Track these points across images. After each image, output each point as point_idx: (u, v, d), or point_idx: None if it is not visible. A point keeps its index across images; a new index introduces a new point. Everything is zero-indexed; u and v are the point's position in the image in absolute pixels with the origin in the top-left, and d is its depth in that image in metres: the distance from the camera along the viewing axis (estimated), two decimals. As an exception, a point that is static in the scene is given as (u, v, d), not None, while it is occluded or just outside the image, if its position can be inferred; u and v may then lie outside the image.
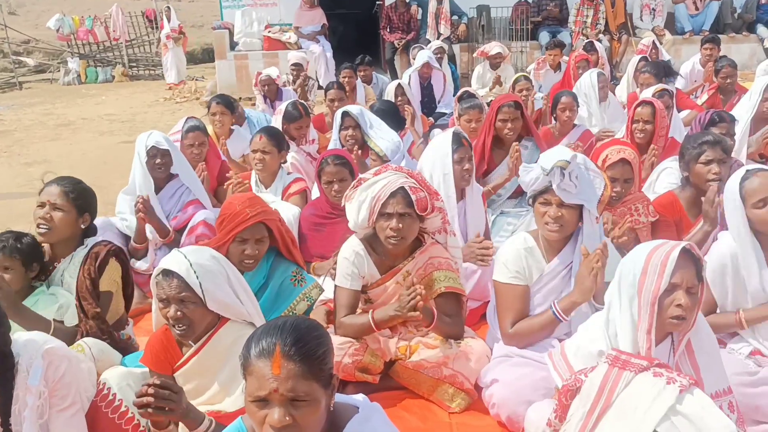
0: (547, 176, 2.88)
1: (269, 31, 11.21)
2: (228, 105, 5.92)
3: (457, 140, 3.86)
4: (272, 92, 7.58)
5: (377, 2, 11.91)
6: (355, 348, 2.99)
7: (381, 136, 5.22)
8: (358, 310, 3.14)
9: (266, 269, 3.14)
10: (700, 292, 2.28)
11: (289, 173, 4.70)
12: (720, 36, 9.57)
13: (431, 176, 3.85)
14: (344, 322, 3.04)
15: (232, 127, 5.95)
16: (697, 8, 10.99)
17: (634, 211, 3.67)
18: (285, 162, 4.61)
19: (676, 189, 3.73)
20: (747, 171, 2.91)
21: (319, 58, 10.73)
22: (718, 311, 2.98)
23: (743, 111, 5.23)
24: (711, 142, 3.53)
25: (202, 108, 9.56)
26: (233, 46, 11.35)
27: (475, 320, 3.64)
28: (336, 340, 3.00)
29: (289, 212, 4.06)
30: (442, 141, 3.89)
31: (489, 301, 3.33)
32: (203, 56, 16.87)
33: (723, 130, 4.15)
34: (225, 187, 4.32)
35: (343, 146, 5.15)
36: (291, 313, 3.13)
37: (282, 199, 4.42)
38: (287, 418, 1.60)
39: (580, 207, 2.91)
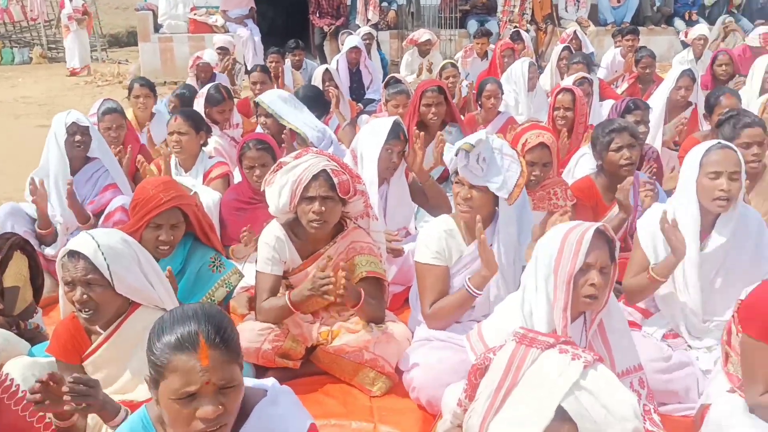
0: (456, 157, 2.91)
1: (195, 14, 10.92)
2: (152, 87, 5.75)
3: (396, 132, 3.85)
4: (207, 77, 7.38)
5: (307, -14, 11.78)
6: (276, 334, 2.94)
7: (304, 122, 5.16)
8: (280, 296, 3.10)
9: (183, 255, 3.05)
10: (612, 273, 2.33)
11: (210, 157, 4.59)
12: (640, 28, 9.87)
13: (362, 155, 3.82)
14: (264, 307, 2.99)
15: (154, 110, 5.77)
16: (618, 0, 11.30)
17: (553, 195, 3.74)
18: (206, 145, 4.49)
19: (592, 174, 3.82)
20: (718, 143, 2.96)
21: (247, 42, 10.53)
22: None
23: (658, 99, 5.41)
24: (618, 128, 3.61)
25: (126, 92, 9.24)
26: (158, 28, 11.02)
27: (399, 305, 3.64)
28: (256, 326, 2.96)
29: (209, 197, 3.96)
30: (381, 126, 3.86)
31: (411, 286, 3.33)
32: (128, 39, 16.31)
33: (638, 117, 4.27)
34: (139, 169, 4.20)
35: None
36: (209, 300, 3.06)
37: (203, 183, 4.32)
38: (220, 407, 1.56)
39: None
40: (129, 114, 5.59)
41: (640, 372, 2.45)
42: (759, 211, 3.38)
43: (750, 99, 5.51)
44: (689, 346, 2.95)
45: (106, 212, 4.07)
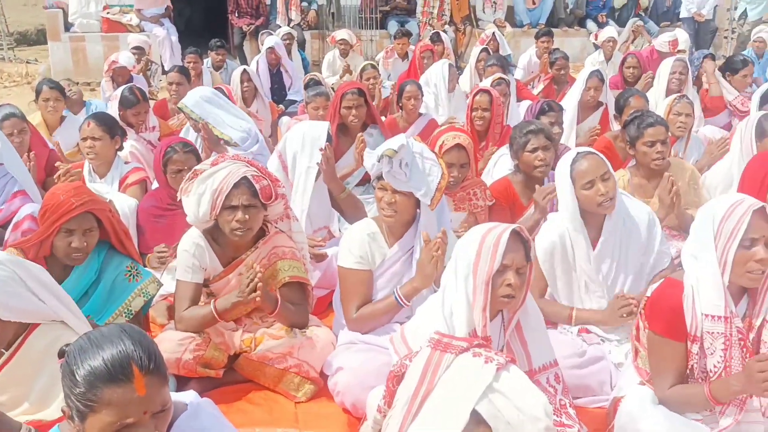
0: (378, 163, 2.93)
1: (108, 12, 10.57)
2: (61, 90, 5.53)
3: (329, 138, 3.85)
4: (124, 80, 7.14)
5: (225, -15, 11.58)
6: (197, 343, 2.89)
7: (227, 124, 5.08)
8: (200, 304, 3.05)
9: (98, 264, 2.95)
10: (528, 272, 2.40)
11: (126, 162, 4.46)
12: (554, 29, 10.18)
13: (294, 157, 3.78)
14: (185, 316, 2.93)
15: (64, 114, 5.56)
16: (534, 2, 11.60)
17: (472, 196, 3.82)
18: (121, 150, 4.36)
19: (509, 174, 3.92)
20: (577, 153, 3.09)
21: (164, 41, 10.26)
22: (548, 292, 3.16)
23: (571, 100, 5.60)
24: (534, 130, 3.73)
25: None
26: (68, 27, 10.61)
27: (323, 308, 3.64)
28: (176, 336, 2.90)
29: (125, 203, 3.85)
30: (319, 132, 3.85)
31: (335, 289, 3.33)
32: (37, 37, 15.62)
33: (552, 118, 4.40)
34: (55, 178, 4.02)
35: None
36: (126, 310, 2.98)
37: (119, 190, 4.19)
38: None
39: None
40: (38, 117, 5.39)
41: (555, 367, 2.53)
42: (663, 207, 3.54)
43: (657, 100, 5.76)
44: (602, 339, 3.07)
45: (14, 221, 3.88)
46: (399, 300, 2.90)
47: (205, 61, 8.14)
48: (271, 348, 2.97)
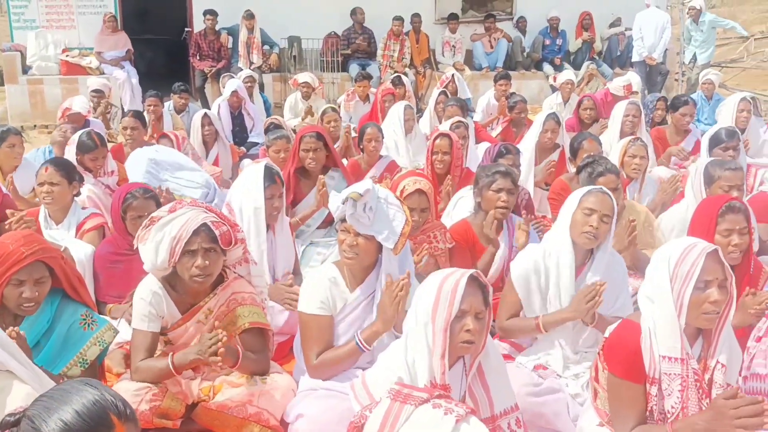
0: (344, 206, 2.95)
1: (67, 55, 10.52)
2: (20, 134, 5.48)
3: (270, 176, 3.84)
4: (80, 126, 7.05)
5: (186, 29, 11.63)
6: (153, 393, 2.81)
7: (184, 184, 5.07)
8: (158, 353, 2.99)
9: (51, 313, 2.88)
10: (487, 317, 2.41)
11: (84, 208, 4.39)
12: (512, 72, 10.42)
13: (241, 209, 3.79)
14: (141, 367, 2.86)
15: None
16: (492, 46, 11.88)
17: (432, 239, 3.84)
18: (78, 195, 4.30)
19: (469, 216, 3.97)
20: (600, 189, 3.20)
21: (124, 84, 10.23)
22: (522, 313, 3.19)
23: (528, 142, 5.72)
24: (503, 172, 3.81)
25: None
26: (26, 70, 10.51)
27: (284, 354, 3.59)
28: (131, 386, 2.83)
29: (81, 250, 3.78)
30: (253, 175, 3.85)
31: (296, 335, 3.30)
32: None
33: (510, 161, 4.48)
34: (6, 225, 3.94)
35: None
36: (81, 360, 2.90)
37: (76, 236, 4.11)
38: None
39: None
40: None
41: (516, 412, 2.53)
42: (619, 245, 3.63)
43: (612, 142, 5.91)
44: (558, 375, 3.10)
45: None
46: (360, 345, 2.89)
47: (166, 104, 8.11)
48: (230, 396, 2.92)
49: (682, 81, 11.49)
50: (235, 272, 3.11)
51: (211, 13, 10.66)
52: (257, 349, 3.02)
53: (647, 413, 2.41)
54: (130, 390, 2.80)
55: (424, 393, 1.98)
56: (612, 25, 12.20)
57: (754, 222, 3.37)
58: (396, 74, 9.50)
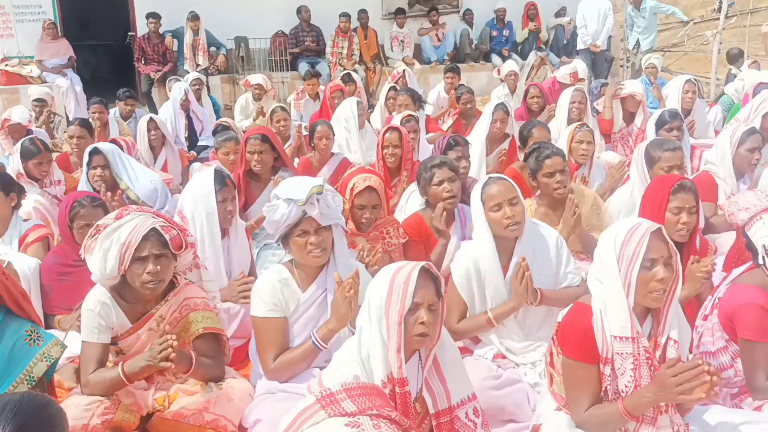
0: (302, 206, 2.91)
1: (6, 65, 10.22)
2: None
3: (220, 179, 3.78)
4: (21, 136, 6.85)
5: (129, 33, 11.41)
6: (105, 406, 2.74)
7: (138, 178, 4.98)
8: (109, 364, 2.92)
9: (-7, 331, 2.78)
10: (440, 308, 2.41)
11: (26, 219, 4.27)
12: (461, 65, 10.47)
13: (193, 215, 3.73)
14: (92, 380, 2.79)
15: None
16: (439, 40, 11.93)
17: (386, 235, 3.83)
18: (18, 207, 4.17)
19: (421, 210, 3.97)
20: (489, 178, 3.21)
21: (67, 92, 9.99)
22: (468, 314, 3.20)
23: (478, 133, 5.75)
24: (438, 164, 3.83)
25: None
26: (-36, 80, 10.20)
27: (240, 359, 3.54)
28: (82, 401, 2.75)
29: (25, 264, 3.67)
30: (203, 179, 3.79)
31: (251, 339, 3.26)
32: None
33: (459, 152, 4.50)
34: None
35: (92, 187, 4.83)
36: (28, 377, 2.80)
37: (19, 249, 3.99)
38: None
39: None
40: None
41: (474, 401, 2.54)
42: (566, 227, 3.67)
43: (560, 129, 5.99)
44: (516, 364, 3.12)
45: None
46: (316, 344, 2.86)
47: (112, 110, 7.94)
48: (186, 405, 2.86)
49: (627, 67, 11.70)
50: (186, 278, 3.05)
51: (153, 17, 10.48)
52: (212, 355, 2.98)
53: (602, 393, 2.44)
54: (80, 405, 2.73)
55: (353, 407, 1.98)
56: (557, 15, 12.37)
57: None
58: (346, 71, 9.47)
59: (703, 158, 4.84)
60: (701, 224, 3.61)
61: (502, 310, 3.11)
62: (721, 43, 10.78)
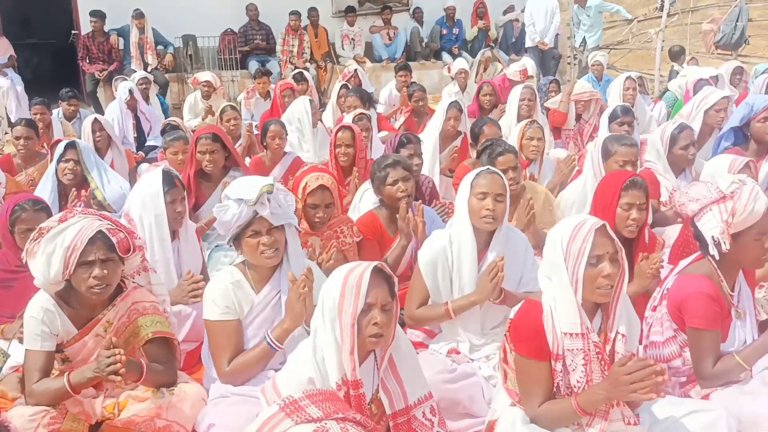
0: (253, 206, 2.86)
1: (-57, 65, 9.85)
2: None
3: (169, 180, 3.70)
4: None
5: (73, 32, 11.10)
6: (52, 416, 2.65)
7: (109, 181, 4.87)
8: (55, 371, 2.83)
9: (-68, 343, 2.68)
10: (394, 308, 2.40)
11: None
12: (412, 63, 10.50)
13: (141, 217, 3.64)
14: (36, 390, 2.69)
15: None
16: (390, 38, 11.94)
17: (340, 234, 3.81)
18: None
19: (375, 208, 3.96)
20: (487, 169, 3.22)
21: (8, 92, 9.65)
22: (430, 301, 3.20)
23: (431, 131, 5.77)
24: (392, 163, 3.82)
25: None
26: None
27: (193, 362, 3.48)
28: (27, 411, 2.66)
29: (-38, 272, 3.54)
30: (151, 180, 3.71)
31: (203, 342, 3.19)
32: None
33: (411, 150, 4.50)
34: None
35: (58, 180, 4.70)
36: (-30, 389, 2.71)
37: (-43, 257, 3.84)
38: None
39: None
40: None
41: (430, 400, 2.53)
42: (519, 225, 3.70)
43: (510, 126, 6.05)
44: (471, 359, 3.14)
45: None
46: (271, 344, 2.82)
47: (55, 111, 7.72)
48: (136, 412, 2.79)
49: (574, 64, 11.91)
50: (134, 282, 2.98)
51: (96, 15, 10.19)
52: (163, 360, 2.91)
53: (554, 389, 2.47)
54: (25, 416, 2.64)
55: (319, 412, 1.96)
56: (505, 12, 12.50)
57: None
58: (298, 70, 9.39)
59: (644, 155, 4.95)
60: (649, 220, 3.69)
61: (462, 303, 3.10)
62: (663, 40, 11.07)
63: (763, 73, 7.25)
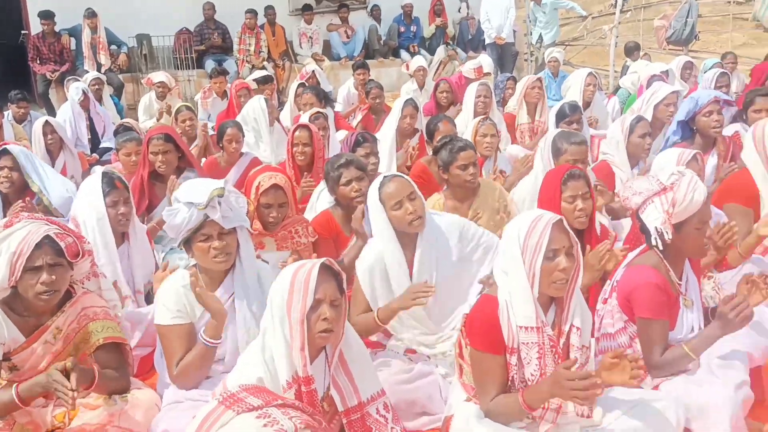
0: (203, 210, 2.83)
1: None
2: None
3: (110, 182, 3.65)
4: None
5: (23, 32, 10.84)
6: (-1, 428, 2.60)
7: (52, 184, 4.75)
8: (2, 381, 2.75)
9: None
10: (344, 304, 2.40)
11: None
12: (370, 61, 10.50)
13: (84, 221, 3.58)
14: (-23, 404, 2.63)
15: None
16: (348, 36, 11.92)
17: (294, 234, 3.79)
18: None
19: (330, 208, 3.95)
20: (384, 177, 3.21)
21: (-45, 94, 9.41)
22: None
23: (388, 129, 5.78)
24: (345, 163, 3.81)
25: None
26: None
27: (146, 368, 3.43)
28: (-30, 425, 2.60)
29: None
30: (91, 183, 3.67)
31: (156, 347, 3.15)
32: None
33: (367, 149, 4.50)
34: None
35: None
36: None
37: None
38: None
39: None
40: None
41: (383, 397, 2.55)
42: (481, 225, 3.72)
43: (467, 122, 6.09)
44: (428, 356, 3.16)
45: None
46: (206, 342, 2.78)
47: (5, 113, 7.52)
48: (87, 420, 2.72)
49: (531, 61, 12.03)
50: (83, 287, 2.92)
51: (45, 17, 9.96)
52: (114, 366, 2.85)
53: (509, 382, 2.49)
54: (-33, 429, 2.57)
55: (258, 401, 1.96)
56: (460, 9, 12.60)
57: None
58: (263, 74, 9.25)
59: (600, 148, 5.03)
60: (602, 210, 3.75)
61: (387, 313, 3.05)
62: (617, 36, 11.25)
63: (712, 67, 7.42)
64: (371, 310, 3.14)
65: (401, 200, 3.10)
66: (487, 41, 11.42)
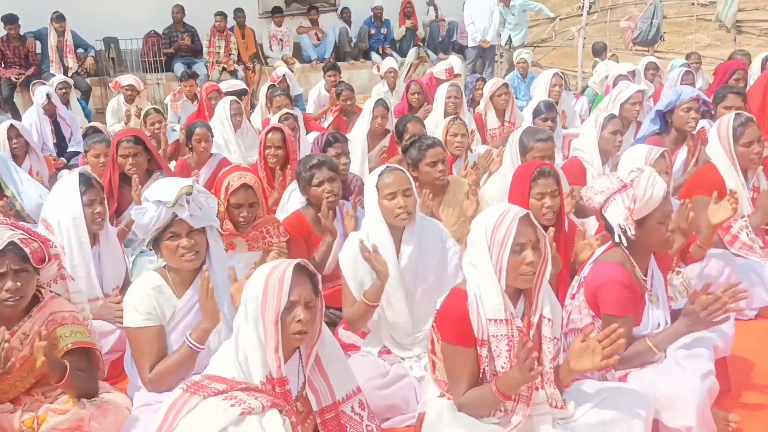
0: (172, 208, 2.81)
1: None
2: None
3: (86, 181, 3.61)
4: None
5: (-14, 35, 10.65)
6: (-35, 435, 2.56)
7: (26, 189, 4.68)
8: (-31, 388, 2.71)
9: None
10: (318, 305, 2.39)
11: None
12: (341, 63, 10.50)
13: (59, 222, 3.53)
14: (-53, 407, 2.59)
15: None
16: (318, 38, 11.91)
17: (266, 234, 3.77)
18: None
19: (302, 208, 3.95)
20: (387, 167, 3.26)
21: None
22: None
23: (359, 129, 5.79)
24: (317, 164, 3.82)
25: None
26: None
27: (117, 372, 3.39)
28: (-64, 431, 2.55)
29: None
30: (68, 183, 3.63)
31: (126, 351, 3.11)
32: None
33: (338, 149, 4.51)
34: None
35: None
36: None
37: None
38: None
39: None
40: None
41: (359, 395, 2.55)
42: (449, 221, 3.75)
43: (437, 122, 6.13)
44: (402, 358, 3.16)
45: None
46: (191, 346, 2.76)
47: (-32, 118, 7.40)
48: (57, 425, 2.67)
49: (501, 62, 12.12)
50: (51, 291, 2.88)
51: (9, 21, 9.79)
52: (84, 370, 2.82)
53: (480, 375, 2.51)
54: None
55: (223, 385, 1.97)
56: (430, 12, 12.66)
57: (565, 185, 3.62)
58: (240, 90, 9.16)
59: (572, 146, 5.09)
60: (570, 207, 3.80)
61: (374, 290, 3.04)
62: (585, 38, 11.39)
63: (680, 67, 7.56)
64: (354, 299, 3.15)
65: (395, 192, 3.14)
66: (470, 44, 11.38)
